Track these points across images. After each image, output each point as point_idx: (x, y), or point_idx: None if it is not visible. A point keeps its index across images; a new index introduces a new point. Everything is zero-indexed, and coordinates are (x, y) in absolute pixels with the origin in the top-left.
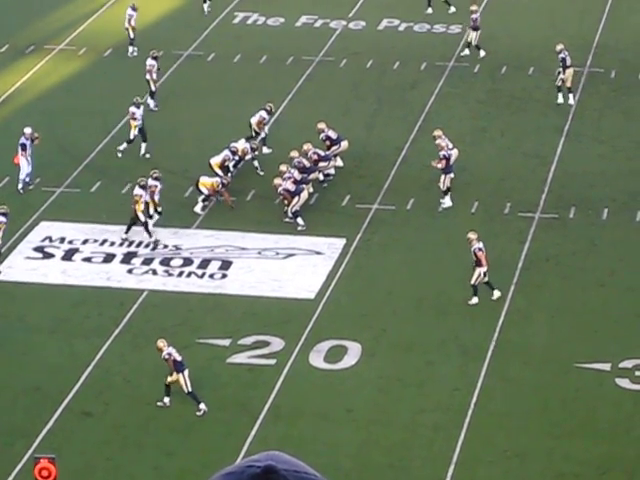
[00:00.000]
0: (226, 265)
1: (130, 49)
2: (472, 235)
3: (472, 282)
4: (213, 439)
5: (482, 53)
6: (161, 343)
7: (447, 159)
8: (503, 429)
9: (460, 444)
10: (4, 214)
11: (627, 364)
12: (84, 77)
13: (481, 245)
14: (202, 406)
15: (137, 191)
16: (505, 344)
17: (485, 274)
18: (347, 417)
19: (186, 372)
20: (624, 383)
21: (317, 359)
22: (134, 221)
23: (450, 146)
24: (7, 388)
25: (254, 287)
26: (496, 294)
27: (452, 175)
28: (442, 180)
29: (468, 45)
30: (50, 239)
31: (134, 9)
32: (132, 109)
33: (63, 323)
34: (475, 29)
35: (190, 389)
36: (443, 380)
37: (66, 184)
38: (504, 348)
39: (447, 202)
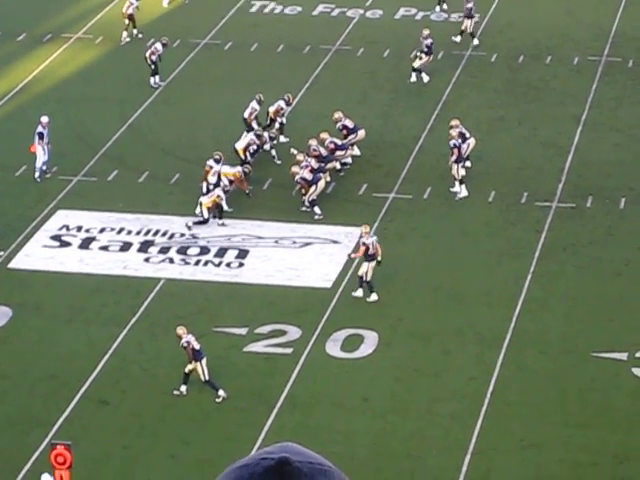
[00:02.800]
0: (243, 254)
1: (124, 34)
2: (364, 229)
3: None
4: (230, 428)
5: (475, 41)
6: (180, 330)
7: (458, 148)
8: (519, 418)
9: (476, 433)
10: None
11: None
12: (101, 65)
13: (368, 240)
14: (221, 392)
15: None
16: (521, 333)
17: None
18: (363, 406)
19: (204, 361)
20: None
21: (334, 348)
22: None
23: (467, 135)
24: (24, 376)
25: (271, 276)
26: (373, 297)
27: (468, 164)
28: (455, 169)
29: (461, 33)
30: (67, 228)
31: None
32: (210, 163)
33: (80, 312)
34: (469, 17)
35: (208, 377)
36: (459, 369)
37: (83, 173)
38: (520, 337)
39: (463, 192)
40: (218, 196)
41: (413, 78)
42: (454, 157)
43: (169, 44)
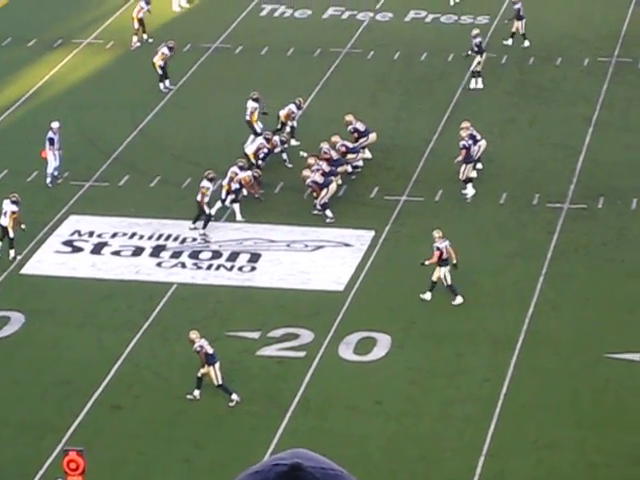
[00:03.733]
0: (255, 258)
1: (134, 39)
2: (437, 233)
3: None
4: (243, 432)
5: (526, 43)
6: (193, 335)
7: (467, 149)
8: (533, 420)
9: (490, 435)
10: (15, 202)
11: None
12: (112, 71)
13: (442, 244)
14: (234, 396)
15: (204, 184)
16: (535, 335)
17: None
18: (377, 409)
19: (217, 365)
20: None
21: (346, 351)
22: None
23: (478, 137)
24: (37, 382)
25: (283, 279)
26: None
27: (480, 166)
28: (462, 170)
29: (512, 35)
30: (79, 233)
31: (147, 2)
32: (234, 169)
33: (92, 317)
34: (519, 19)
35: (221, 382)
36: (473, 371)
37: (95, 178)
38: (534, 339)
39: (470, 191)
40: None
41: (473, 84)
42: (461, 157)
43: (177, 48)
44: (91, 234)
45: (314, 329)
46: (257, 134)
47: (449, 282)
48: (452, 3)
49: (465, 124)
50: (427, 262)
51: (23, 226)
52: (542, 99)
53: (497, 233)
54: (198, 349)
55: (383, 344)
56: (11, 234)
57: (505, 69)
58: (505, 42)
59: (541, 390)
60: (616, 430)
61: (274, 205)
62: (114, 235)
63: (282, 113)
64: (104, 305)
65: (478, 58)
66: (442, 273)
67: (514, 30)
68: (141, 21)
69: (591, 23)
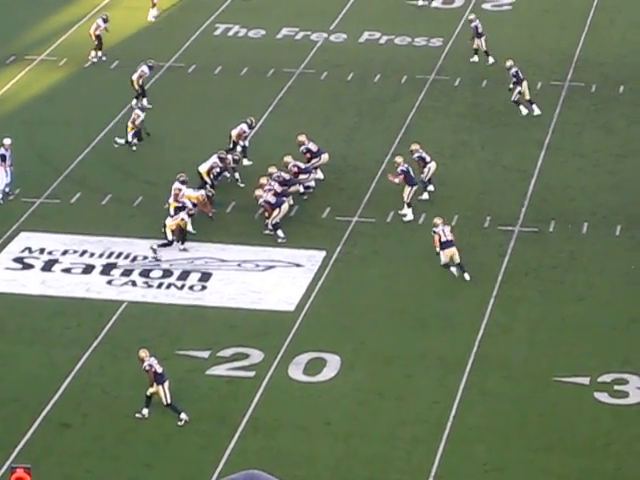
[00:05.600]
0: (206, 277)
1: (92, 54)
2: (437, 220)
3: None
4: (192, 451)
5: (491, 59)
6: (143, 353)
7: (405, 173)
8: (482, 442)
9: (439, 457)
10: None
11: (606, 378)
12: (65, 88)
13: (439, 228)
14: (183, 416)
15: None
16: (484, 357)
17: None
18: (326, 430)
19: (166, 384)
20: (603, 397)
21: (296, 371)
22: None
23: (427, 159)
24: None
25: (234, 299)
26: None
27: (431, 188)
28: (407, 192)
29: (476, 51)
30: (30, 250)
31: (105, 20)
32: (178, 185)
33: (42, 334)
34: (479, 36)
35: (170, 401)
36: (422, 393)
37: (46, 195)
38: (483, 361)
39: (409, 215)
40: (182, 219)
41: (525, 111)
42: (397, 180)
43: (155, 66)
44: (42, 251)
45: (264, 349)
46: (233, 149)
47: (459, 260)
48: (420, 3)
49: (414, 146)
50: (437, 249)
51: None
52: (495, 122)
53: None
54: (147, 368)
55: (333, 365)
56: None
57: (458, 91)
58: (472, 59)
59: (490, 413)
60: (565, 454)
61: (226, 224)
62: (65, 252)
63: (234, 132)
64: (54, 322)
65: (519, 88)
66: (446, 255)
67: (476, 47)
68: (98, 38)
69: (544, 47)
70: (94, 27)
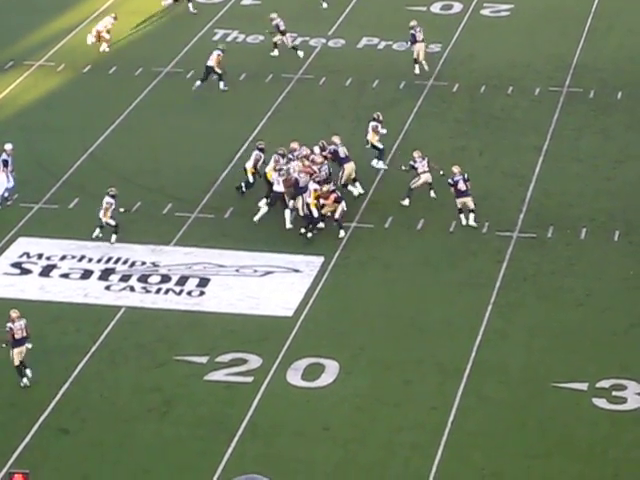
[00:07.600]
0: (204, 282)
1: (104, 45)
2: (455, 169)
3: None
4: (190, 457)
5: (417, 70)
6: (14, 314)
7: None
8: (480, 448)
9: (437, 463)
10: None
11: (604, 384)
12: (63, 93)
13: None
14: (25, 380)
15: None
16: (482, 363)
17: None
18: (324, 435)
19: (23, 348)
20: (601, 403)
21: (294, 377)
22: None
23: (420, 170)
24: None
25: (232, 304)
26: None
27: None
28: (416, 181)
29: (415, 61)
30: (28, 255)
31: (114, 19)
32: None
33: (40, 339)
34: (415, 43)
35: (16, 364)
36: (420, 399)
37: (44, 200)
38: (481, 367)
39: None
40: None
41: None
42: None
43: (226, 50)
44: (40, 256)
45: (262, 354)
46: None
47: (472, 206)
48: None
49: (416, 153)
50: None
51: None
52: (493, 128)
53: (446, 261)
54: (7, 329)
55: (331, 370)
56: None
57: (456, 97)
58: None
59: (488, 418)
60: (563, 459)
61: (224, 230)
62: (63, 258)
63: (249, 165)
64: (52, 328)
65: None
66: (460, 202)
67: (415, 57)
68: (108, 33)
69: (542, 53)
70: (103, 25)
